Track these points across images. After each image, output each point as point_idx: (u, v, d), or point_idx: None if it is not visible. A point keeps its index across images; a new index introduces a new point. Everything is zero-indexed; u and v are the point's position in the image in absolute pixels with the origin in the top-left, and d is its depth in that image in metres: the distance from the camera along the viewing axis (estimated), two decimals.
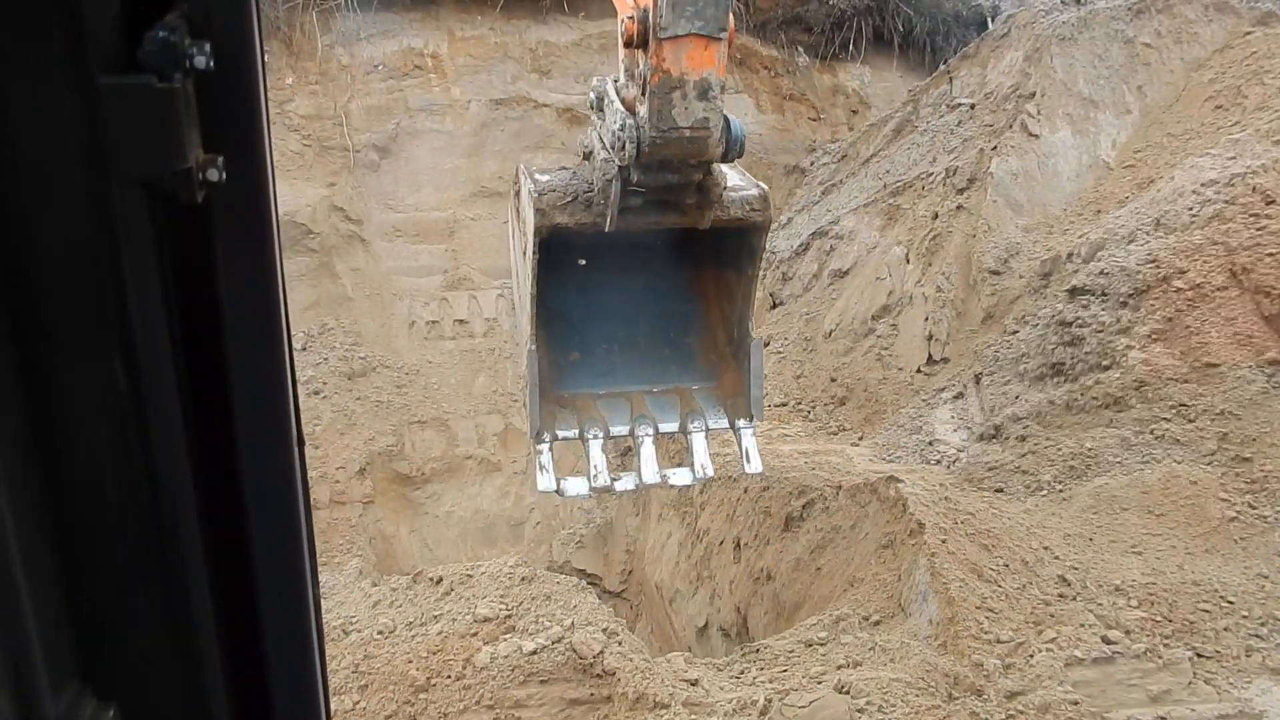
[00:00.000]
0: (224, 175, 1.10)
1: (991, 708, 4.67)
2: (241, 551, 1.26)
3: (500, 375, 11.40)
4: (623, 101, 4.86)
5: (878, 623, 5.85)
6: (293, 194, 12.04)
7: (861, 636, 5.58)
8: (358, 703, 4.94)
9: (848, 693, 4.77)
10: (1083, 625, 5.58)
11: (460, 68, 13.34)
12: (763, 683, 4.99)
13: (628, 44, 4.74)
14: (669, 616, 8.99)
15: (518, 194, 5.72)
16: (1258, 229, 8.07)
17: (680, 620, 8.77)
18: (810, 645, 5.58)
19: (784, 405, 10.25)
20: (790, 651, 5.53)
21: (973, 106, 11.34)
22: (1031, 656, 5.22)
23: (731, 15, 4.61)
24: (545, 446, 5.21)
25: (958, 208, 10.34)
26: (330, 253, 11.94)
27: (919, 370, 9.81)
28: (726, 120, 4.78)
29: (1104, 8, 11.32)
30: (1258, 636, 5.79)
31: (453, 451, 10.77)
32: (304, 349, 11.43)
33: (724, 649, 7.35)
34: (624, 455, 8.22)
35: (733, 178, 5.28)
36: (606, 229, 5.00)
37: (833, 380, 10.26)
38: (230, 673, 1.26)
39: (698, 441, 5.41)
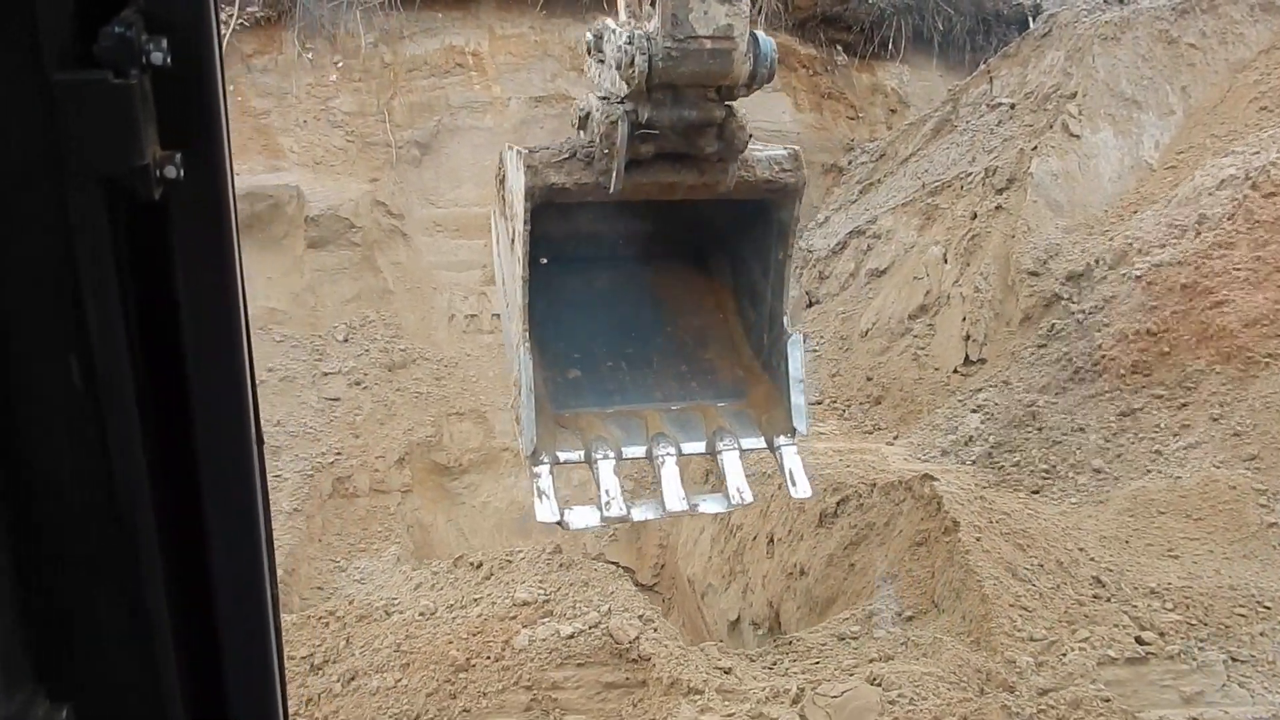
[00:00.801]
0: (182, 172, 1.08)
1: (1023, 702, 4.70)
2: (199, 551, 1.23)
3: None
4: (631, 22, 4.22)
5: (910, 618, 5.89)
6: (336, 189, 12.23)
7: (894, 631, 5.63)
8: (399, 680, 5.07)
9: (879, 685, 4.82)
10: (1116, 626, 5.59)
11: (501, 65, 13.48)
12: (795, 673, 5.05)
13: None
14: (701, 610, 9.05)
15: (502, 180, 5.04)
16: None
17: (712, 614, 8.84)
18: (843, 639, 5.64)
19: (819, 403, 10.28)
20: (823, 644, 5.59)
21: (1013, 106, 11.30)
22: (1064, 655, 5.25)
23: None
24: (545, 469, 4.49)
25: (997, 208, 10.32)
26: (372, 247, 12.12)
27: (955, 370, 9.81)
28: (754, 36, 4.13)
29: (1148, 7, 11.23)
30: None
31: (490, 443, 10.90)
32: (346, 341, 11.61)
33: (756, 643, 7.41)
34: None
35: (755, 146, 4.62)
36: (611, 188, 4.33)
37: (868, 379, 10.28)
38: (187, 673, 1.24)
39: (730, 462, 4.66)
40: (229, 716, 1.32)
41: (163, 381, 1.16)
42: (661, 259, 5.60)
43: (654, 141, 4.36)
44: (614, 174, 4.24)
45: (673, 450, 4.56)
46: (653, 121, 4.22)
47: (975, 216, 10.45)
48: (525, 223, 4.27)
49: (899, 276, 10.81)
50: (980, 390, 9.10)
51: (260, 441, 1.28)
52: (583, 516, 4.30)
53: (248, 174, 11.91)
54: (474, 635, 4.98)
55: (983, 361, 9.65)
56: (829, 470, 8.00)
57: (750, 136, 4.42)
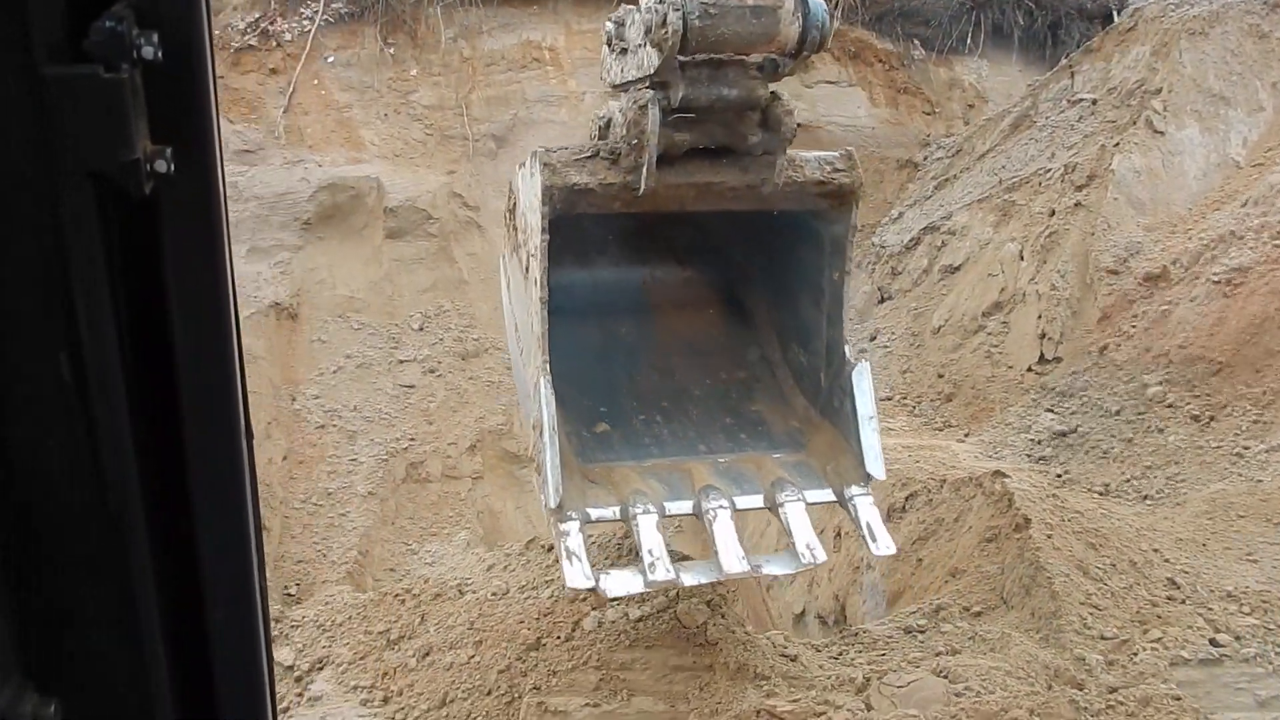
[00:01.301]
0: (173, 167, 1.08)
1: (1091, 698, 4.68)
2: (188, 545, 1.24)
3: None
4: None
5: (978, 614, 5.87)
6: (414, 181, 12.48)
7: (961, 626, 5.61)
8: (472, 657, 5.21)
9: (946, 677, 4.83)
10: (1190, 627, 5.51)
11: (576, 60, 13.63)
12: (861, 664, 5.07)
13: None
14: (765, 603, 9.09)
15: (512, 210, 4.46)
16: None
17: (777, 606, 8.87)
18: (909, 632, 5.63)
19: (889, 399, 10.24)
20: (889, 636, 5.59)
21: (1095, 102, 11.12)
22: (1135, 654, 5.20)
23: None
24: (573, 526, 3.89)
25: (1076, 205, 10.17)
26: (448, 238, 12.36)
27: (1030, 369, 9.70)
28: None
29: (1237, 1, 10.96)
30: None
31: None
32: (421, 329, 11.85)
33: (821, 636, 7.43)
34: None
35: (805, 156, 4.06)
36: (640, 188, 3.71)
37: (940, 376, 10.21)
38: (176, 667, 1.24)
39: (795, 515, 4.05)
40: (217, 711, 1.32)
41: (153, 377, 1.16)
42: (692, 305, 5.06)
43: (689, 129, 3.79)
44: (644, 169, 3.67)
45: (726, 504, 4.03)
46: (687, 102, 3.66)
47: (1053, 213, 10.31)
48: (543, 230, 3.75)
49: (973, 273, 10.71)
50: (1055, 389, 9.00)
51: (250, 436, 1.28)
52: (622, 582, 3.84)
53: (330, 166, 12.22)
54: (544, 616, 5.08)
55: (1058, 360, 9.53)
56: (898, 466, 7.98)
57: (798, 125, 3.83)
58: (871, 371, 4.23)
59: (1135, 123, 10.33)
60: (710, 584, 4.29)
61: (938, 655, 5.17)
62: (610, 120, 3.95)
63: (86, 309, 1.06)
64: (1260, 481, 7.10)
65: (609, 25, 4.11)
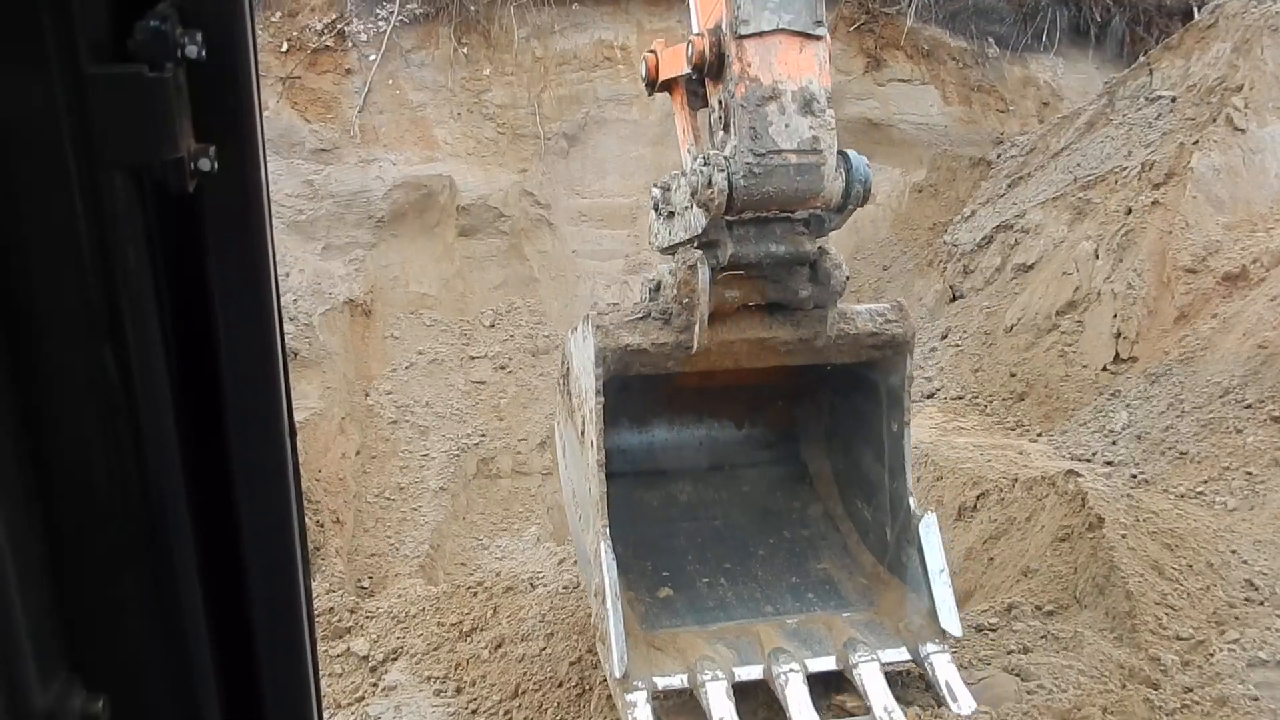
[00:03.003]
0: (216, 165, 1.08)
1: (1166, 697, 4.64)
2: (232, 541, 1.24)
3: None
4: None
5: (1051, 613, 5.84)
6: (486, 179, 12.67)
7: (1034, 625, 5.59)
8: (544, 649, 5.33)
9: (1018, 674, 4.82)
10: (1269, 629, 5.42)
11: None
12: None
13: (697, 70, 3.77)
14: None
15: (566, 374, 4.45)
16: None
17: None
18: (981, 630, 5.62)
19: (960, 399, 10.17)
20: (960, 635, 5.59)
21: (1173, 99, 10.92)
22: (1211, 655, 5.13)
23: (824, 8, 3.69)
24: (640, 696, 3.84)
25: (1153, 203, 10.00)
26: (519, 235, 12.53)
27: (1104, 368, 9.57)
28: (844, 153, 3.69)
29: None
30: None
31: None
32: (492, 326, 12.04)
33: None
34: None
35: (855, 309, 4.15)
36: (694, 346, 3.79)
37: (1012, 375, 10.11)
38: (221, 662, 1.25)
39: (871, 676, 4.01)
40: (263, 706, 1.32)
41: (195, 373, 1.16)
42: (751, 463, 5.06)
43: (739, 286, 3.90)
44: (696, 327, 3.72)
45: (798, 667, 3.97)
46: (736, 260, 3.76)
47: (1130, 212, 10.15)
48: (597, 392, 3.78)
49: (1047, 272, 10.59)
50: (1131, 389, 8.87)
51: (293, 434, 1.28)
52: None
53: (404, 164, 12.46)
54: None
55: (1134, 360, 9.39)
56: (969, 465, 7.94)
57: (848, 278, 3.93)
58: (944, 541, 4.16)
59: (1215, 120, 10.13)
60: None
61: (1010, 653, 5.16)
62: (660, 282, 4.00)
63: (130, 306, 1.06)
64: None
65: (655, 191, 4.22)
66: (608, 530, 3.88)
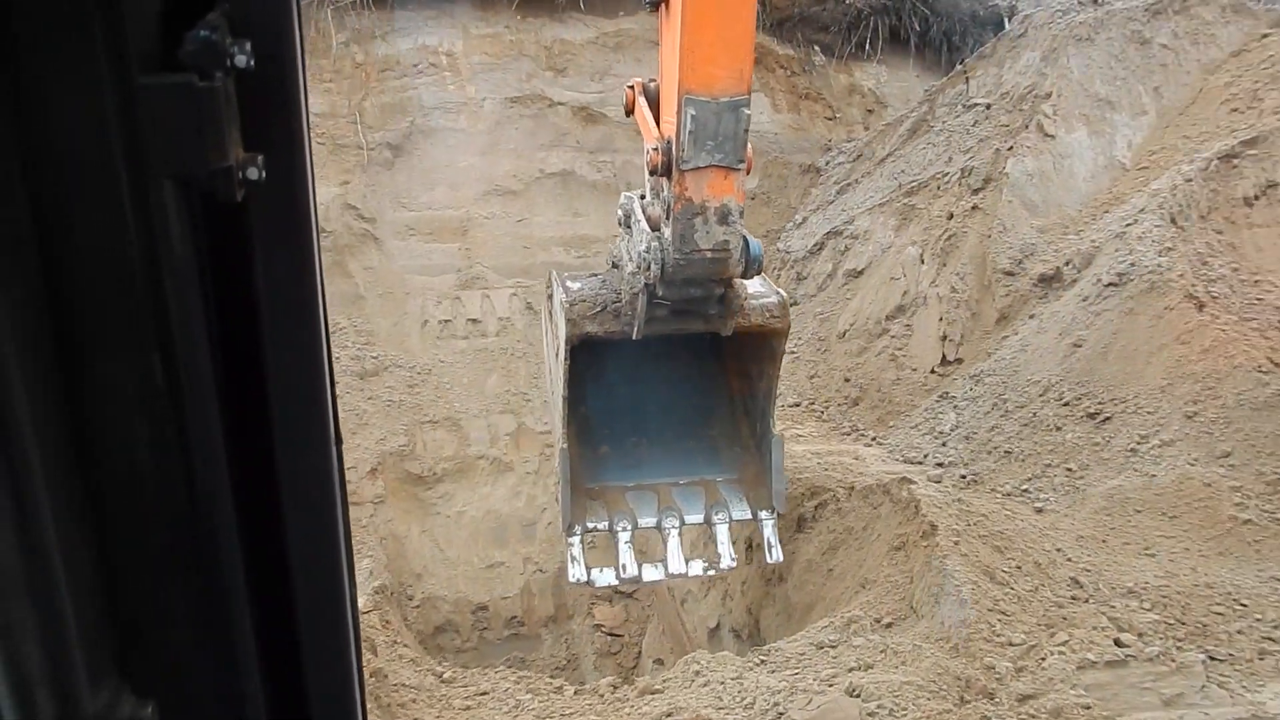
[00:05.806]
0: (264, 174, 1.10)
1: (1003, 711, 4.65)
2: (278, 548, 1.26)
3: (513, 375, 11.41)
4: (648, 220, 5.20)
5: (889, 625, 5.84)
6: None
7: (873, 639, 5.57)
8: None
9: (859, 696, 4.77)
10: (1095, 628, 5.55)
11: (475, 66, 13.36)
12: (774, 685, 4.99)
13: (653, 172, 5.03)
14: (680, 617, 8.99)
15: (550, 299, 6.08)
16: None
17: (692, 621, 8.78)
18: (821, 647, 5.58)
19: (797, 405, 10.24)
20: (801, 654, 5.53)
21: (989, 106, 11.30)
22: (1043, 659, 5.21)
23: (749, 146, 4.91)
24: (576, 539, 5.60)
25: (973, 208, 10.31)
26: (343, 251, 11.96)
27: (933, 371, 9.79)
28: (746, 240, 5.04)
29: (1121, 8, 11.26)
30: (1271, 639, 5.76)
31: (465, 451, 10.77)
32: None
33: (736, 650, 7.35)
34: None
35: (754, 285, 5.61)
36: (634, 337, 5.38)
37: (846, 380, 10.24)
38: (267, 669, 1.26)
39: (721, 532, 5.79)
40: (309, 711, 1.34)
41: (242, 381, 1.18)
42: (683, 355, 6.51)
43: (667, 307, 5.43)
44: (636, 328, 5.39)
45: (677, 523, 5.80)
46: (666, 296, 5.23)
47: (951, 217, 10.44)
48: (565, 357, 5.36)
49: (876, 277, 10.79)
50: (959, 390, 9.09)
51: (339, 441, 1.30)
52: (604, 577, 5.59)
53: None
54: None
55: (959, 361, 9.64)
56: (807, 474, 7.95)
57: (746, 297, 5.49)
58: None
59: (1027, 126, 10.52)
60: (663, 579, 5.84)
61: (850, 671, 5.12)
62: (619, 261, 5.50)
63: (179, 313, 1.08)
64: (1154, 476, 7.23)
65: (619, 213, 5.63)
66: (567, 439, 5.52)
